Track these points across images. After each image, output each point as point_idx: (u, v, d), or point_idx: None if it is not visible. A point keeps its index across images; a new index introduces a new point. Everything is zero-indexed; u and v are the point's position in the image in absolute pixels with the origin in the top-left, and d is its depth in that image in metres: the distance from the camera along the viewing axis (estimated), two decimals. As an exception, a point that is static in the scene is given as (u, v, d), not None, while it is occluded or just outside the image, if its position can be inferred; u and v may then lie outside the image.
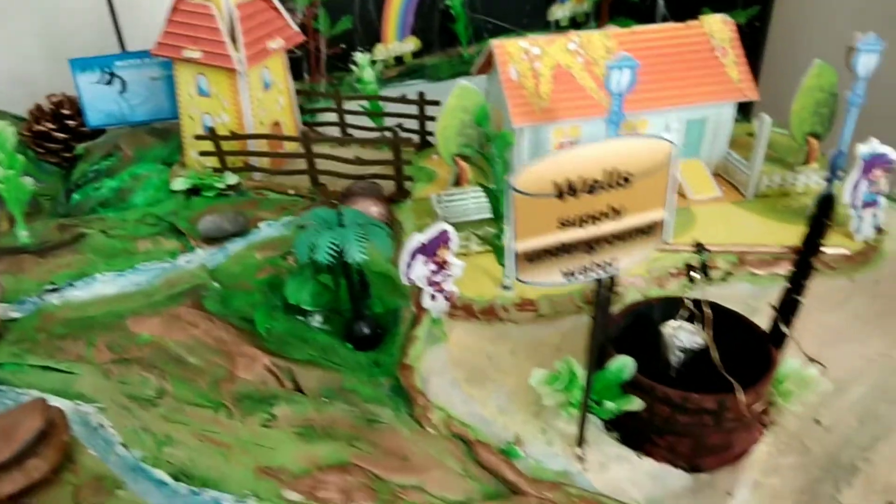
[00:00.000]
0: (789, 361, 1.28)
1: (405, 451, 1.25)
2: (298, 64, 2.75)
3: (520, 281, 1.01)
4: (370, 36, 2.92)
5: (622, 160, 0.95)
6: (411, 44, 3.02)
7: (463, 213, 1.76)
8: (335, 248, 1.36)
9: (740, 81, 1.85)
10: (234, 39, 1.93)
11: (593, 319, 1.10)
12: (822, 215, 1.10)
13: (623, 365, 1.20)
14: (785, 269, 1.63)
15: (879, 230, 1.77)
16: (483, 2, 3.02)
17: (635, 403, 1.19)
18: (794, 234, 1.76)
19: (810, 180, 1.90)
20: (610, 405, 1.20)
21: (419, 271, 1.45)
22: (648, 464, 1.22)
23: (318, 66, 2.79)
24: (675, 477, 1.20)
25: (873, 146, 1.60)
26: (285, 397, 1.36)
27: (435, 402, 1.33)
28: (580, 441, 1.22)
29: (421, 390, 1.35)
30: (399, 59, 3.02)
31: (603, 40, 1.83)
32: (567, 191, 0.94)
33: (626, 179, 0.97)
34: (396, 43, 2.99)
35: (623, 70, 1.49)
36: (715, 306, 1.36)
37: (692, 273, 1.20)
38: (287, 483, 1.18)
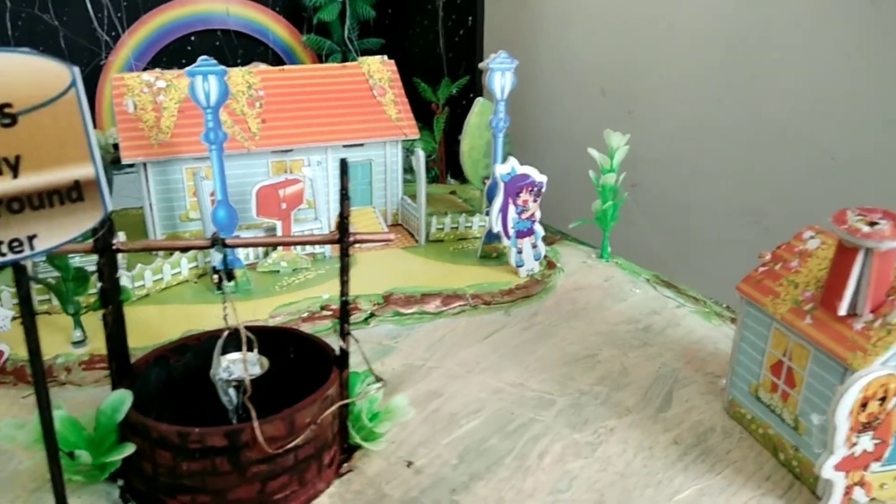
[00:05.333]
0: (374, 395, 1.04)
1: None
2: None
3: None
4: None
5: (-14, 85, 0.71)
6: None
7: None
8: None
9: (399, 120, 1.73)
10: None
11: (27, 336, 0.81)
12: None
13: (118, 401, 0.90)
14: (433, 305, 1.44)
15: (552, 265, 1.64)
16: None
17: (126, 450, 0.88)
18: (462, 274, 1.60)
19: (485, 223, 1.77)
20: (83, 455, 0.88)
21: (-70, 320, 1.11)
22: (158, 537, 0.90)
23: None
24: (192, 551, 0.88)
25: (512, 166, 1.48)
26: None
27: None
28: (62, 515, 0.89)
29: None
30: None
31: (245, 76, 1.66)
32: None
33: (7, 115, 0.72)
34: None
35: (207, 77, 1.30)
36: (289, 333, 1.12)
37: (216, 276, 0.95)
38: None
